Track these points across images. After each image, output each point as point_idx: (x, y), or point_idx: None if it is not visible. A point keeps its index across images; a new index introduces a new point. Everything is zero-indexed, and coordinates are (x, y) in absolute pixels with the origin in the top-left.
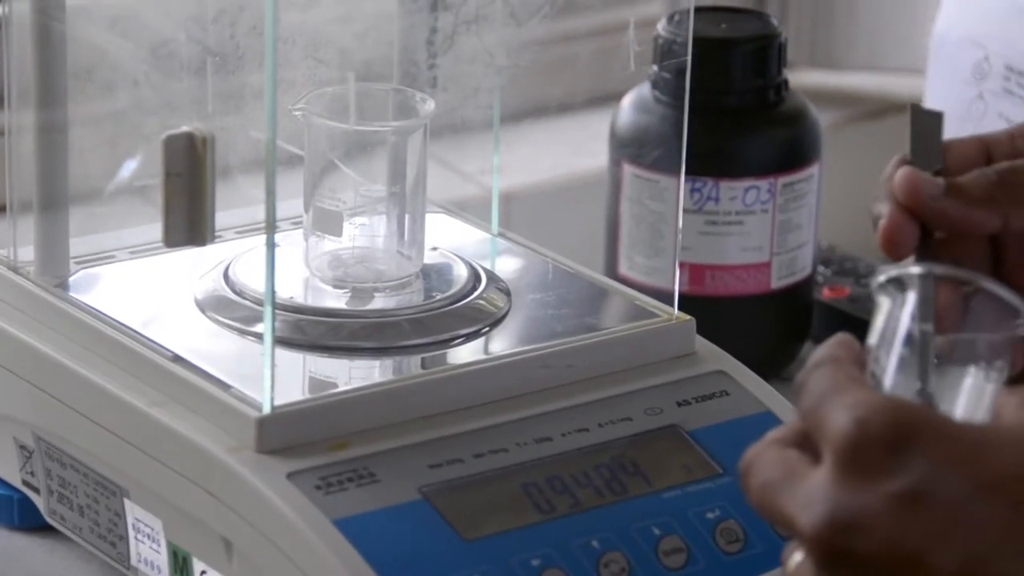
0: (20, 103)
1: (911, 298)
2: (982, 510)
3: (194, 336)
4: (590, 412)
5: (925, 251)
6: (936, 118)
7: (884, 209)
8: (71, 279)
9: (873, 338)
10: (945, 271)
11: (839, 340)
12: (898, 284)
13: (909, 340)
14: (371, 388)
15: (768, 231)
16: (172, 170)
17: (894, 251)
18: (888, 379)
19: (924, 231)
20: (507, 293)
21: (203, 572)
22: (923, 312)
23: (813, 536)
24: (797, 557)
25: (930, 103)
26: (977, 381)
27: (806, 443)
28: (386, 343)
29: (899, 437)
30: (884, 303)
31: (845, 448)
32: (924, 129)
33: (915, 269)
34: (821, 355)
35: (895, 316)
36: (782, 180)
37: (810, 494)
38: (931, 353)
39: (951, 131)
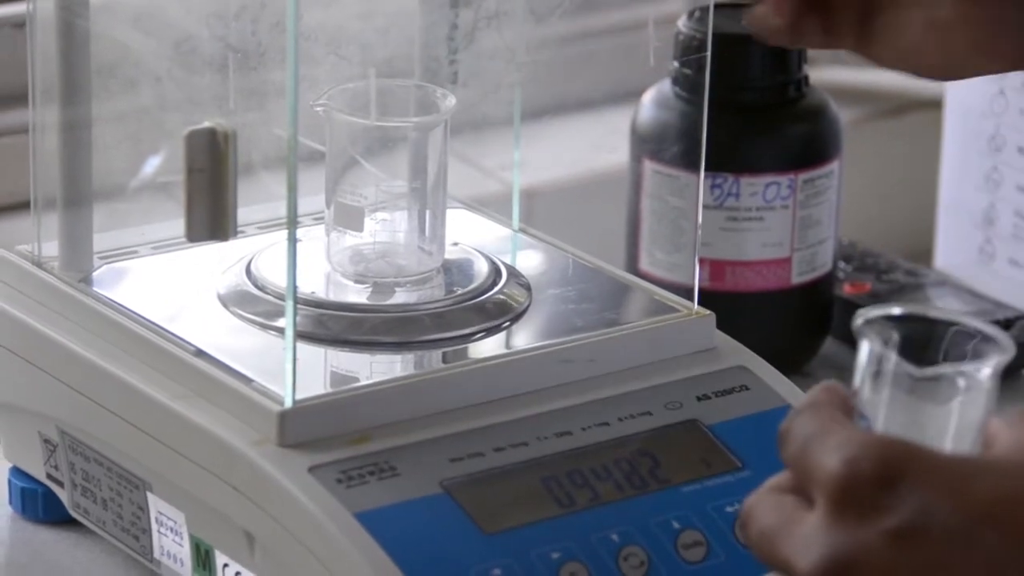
0: (44, 100)
1: (892, 338)
2: (977, 541)
3: (216, 331)
4: (610, 406)
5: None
6: None
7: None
8: (94, 274)
9: (857, 380)
10: (922, 311)
11: (823, 386)
12: (877, 325)
13: (893, 381)
14: (392, 382)
15: (788, 227)
16: (194, 165)
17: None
18: (877, 421)
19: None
20: (528, 288)
21: (225, 565)
22: (904, 352)
23: None
24: None
25: (951, 100)
26: (964, 412)
27: (800, 490)
28: (407, 337)
29: (890, 473)
30: (864, 346)
31: (836, 488)
32: None
33: (895, 310)
34: (803, 402)
35: (876, 358)
36: (802, 176)
37: (806, 538)
38: (913, 391)
39: (972, 128)
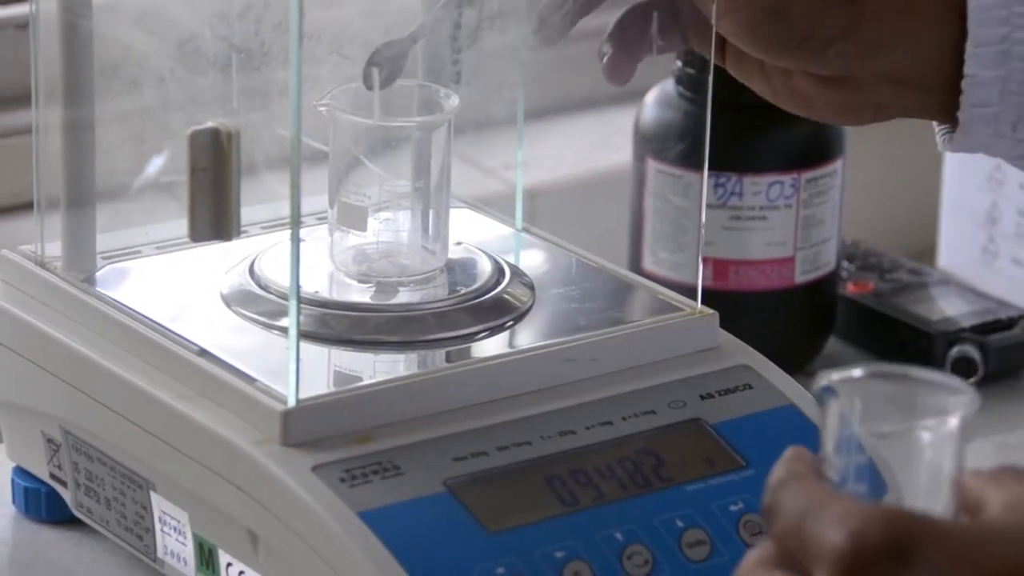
0: (47, 100)
1: (855, 401)
2: None
3: (220, 330)
4: (614, 405)
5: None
6: None
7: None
8: (98, 274)
9: (826, 445)
10: (882, 369)
11: (792, 455)
12: (841, 387)
13: (860, 442)
14: (396, 382)
15: (792, 226)
16: (198, 165)
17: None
18: (847, 484)
19: None
20: (531, 287)
21: (229, 564)
22: (873, 410)
23: None
24: None
25: None
26: (933, 467)
27: (788, 563)
28: (410, 337)
29: (899, 545)
30: (828, 410)
31: (844, 564)
32: None
33: (855, 372)
34: (781, 475)
35: (841, 421)
36: (806, 175)
37: None
38: (880, 451)
39: None
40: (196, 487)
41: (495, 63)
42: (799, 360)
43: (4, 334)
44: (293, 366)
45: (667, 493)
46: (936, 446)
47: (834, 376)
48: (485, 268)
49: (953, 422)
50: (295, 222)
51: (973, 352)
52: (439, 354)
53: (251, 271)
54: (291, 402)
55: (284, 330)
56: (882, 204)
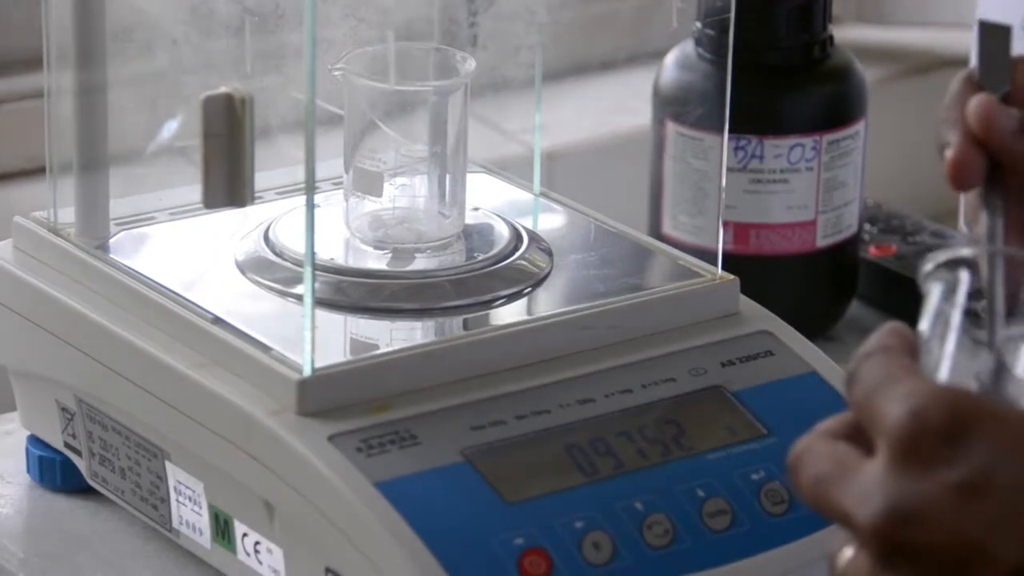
0: (59, 64)
1: (964, 282)
2: None
3: (234, 298)
4: (633, 373)
5: (994, 183)
6: (1004, 33)
7: (952, 137)
8: (111, 240)
9: (925, 325)
10: (999, 250)
11: (890, 329)
12: (949, 268)
13: (965, 326)
14: (412, 350)
15: (813, 189)
16: (211, 131)
17: (961, 183)
18: (944, 367)
19: (993, 161)
20: (549, 253)
21: (244, 535)
22: (988, 291)
23: (872, 529)
24: (847, 553)
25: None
26: None
27: (856, 435)
28: (427, 304)
29: (956, 426)
30: (936, 288)
31: (901, 439)
32: (992, 45)
33: (966, 251)
34: (871, 345)
35: (949, 301)
36: (827, 137)
37: (867, 487)
38: (995, 331)
39: None
40: (211, 457)
41: (512, 26)
42: (821, 324)
43: (17, 301)
44: (309, 334)
45: (688, 462)
46: None
47: (941, 258)
48: (503, 234)
49: None
50: (310, 188)
51: None
52: (456, 321)
53: (266, 237)
54: (307, 371)
55: (299, 298)
56: (905, 166)
